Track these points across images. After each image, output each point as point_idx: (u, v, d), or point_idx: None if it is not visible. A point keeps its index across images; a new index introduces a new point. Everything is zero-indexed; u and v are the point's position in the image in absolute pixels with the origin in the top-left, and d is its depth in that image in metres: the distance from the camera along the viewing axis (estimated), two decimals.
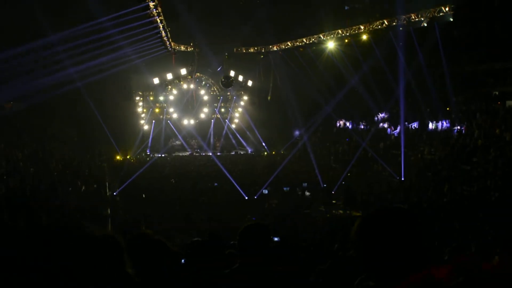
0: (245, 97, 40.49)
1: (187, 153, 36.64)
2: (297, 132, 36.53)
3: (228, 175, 24.21)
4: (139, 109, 38.33)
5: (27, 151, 25.37)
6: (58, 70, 25.03)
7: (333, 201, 21.07)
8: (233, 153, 37.56)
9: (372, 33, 29.87)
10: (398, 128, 28.89)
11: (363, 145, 27.08)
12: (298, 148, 31.57)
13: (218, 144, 38.76)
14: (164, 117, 38.23)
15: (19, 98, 26.05)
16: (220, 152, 36.71)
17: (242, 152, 37.86)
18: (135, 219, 17.84)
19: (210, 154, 34.58)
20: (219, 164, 26.79)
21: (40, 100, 25.26)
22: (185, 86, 38.19)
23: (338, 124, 36.51)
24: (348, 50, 31.94)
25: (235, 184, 22.66)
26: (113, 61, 28.00)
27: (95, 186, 22.45)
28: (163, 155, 34.58)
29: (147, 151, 35.55)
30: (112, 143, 31.14)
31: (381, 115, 31.82)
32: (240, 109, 40.67)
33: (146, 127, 37.53)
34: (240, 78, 37.32)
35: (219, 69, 37.25)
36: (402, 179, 23.22)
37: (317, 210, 19.93)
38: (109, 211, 19.65)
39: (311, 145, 29.39)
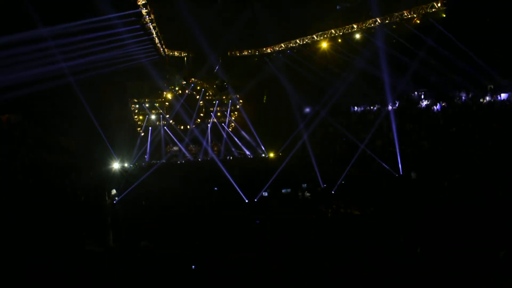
0: (241, 100, 40.56)
1: (185, 159, 36.64)
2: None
3: (230, 178, 24.18)
4: (136, 117, 38.34)
5: (26, 163, 25.25)
6: (43, 65, 24.44)
7: (333, 201, 21.04)
8: (231, 156, 37.58)
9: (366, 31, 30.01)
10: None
11: (361, 147, 27.00)
12: (296, 149, 31.49)
13: (216, 148, 38.78)
14: (161, 124, 38.28)
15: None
16: (218, 156, 36.72)
17: (240, 156, 37.88)
18: (136, 226, 17.80)
19: (208, 158, 34.58)
20: (222, 167, 26.78)
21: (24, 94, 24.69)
22: (180, 91, 38.18)
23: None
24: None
25: (236, 188, 22.64)
26: (105, 61, 27.74)
27: (94, 195, 22.36)
28: (161, 162, 34.54)
29: (146, 158, 35.55)
30: (110, 152, 31.10)
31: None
32: (236, 113, 40.71)
33: (143, 134, 37.56)
34: (235, 81, 37.33)
35: (216, 69, 37.16)
36: (402, 174, 23.27)
37: (318, 210, 19.93)
38: (109, 220, 19.57)
39: (310, 145, 29.25)
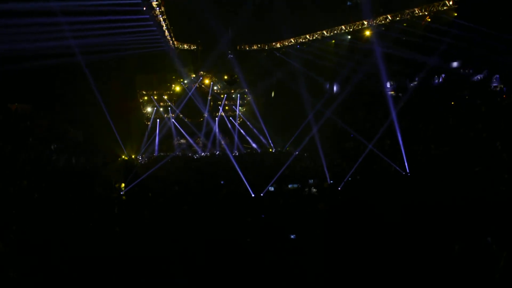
0: (249, 95, 40.53)
1: (193, 151, 36.72)
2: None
3: (239, 172, 24.21)
4: (144, 108, 38.49)
5: (33, 154, 25.42)
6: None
7: (339, 197, 21.02)
8: (237, 151, 37.63)
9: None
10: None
11: (369, 146, 26.85)
12: (303, 145, 31.42)
13: (223, 142, 38.81)
14: (170, 116, 38.38)
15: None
16: (225, 150, 36.76)
17: (247, 150, 37.91)
18: (142, 218, 17.89)
19: (216, 152, 34.64)
20: (233, 160, 26.81)
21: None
22: (189, 84, 38.24)
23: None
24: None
25: (245, 181, 22.66)
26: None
27: (101, 186, 22.50)
28: (169, 154, 34.65)
29: (155, 150, 35.62)
30: (118, 143, 31.24)
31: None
32: (244, 107, 40.71)
33: (151, 126, 37.69)
34: (244, 75, 37.29)
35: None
36: (408, 174, 23.16)
37: (323, 206, 19.91)
38: (116, 211, 19.66)
39: (319, 140, 29.07)
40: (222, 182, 24.21)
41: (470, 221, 13.46)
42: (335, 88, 36.92)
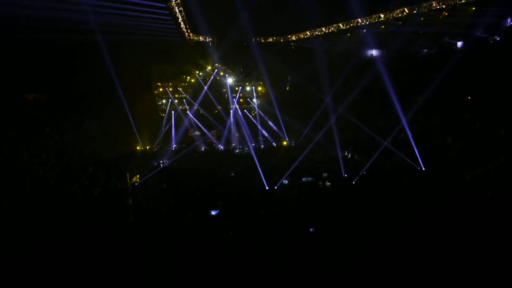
0: (264, 87, 40.41)
1: (208, 143, 36.72)
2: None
3: (257, 164, 24.23)
4: (159, 100, 38.61)
5: (48, 143, 25.69)
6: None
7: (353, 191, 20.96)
8: (253, 143, 37.56)
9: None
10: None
11: (385, 143, 26.60)
12: (318, 138, 31.23)
13: (237, 134, 38.77)
14: (186, 108, 38.44)
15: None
16: (239, 142, 36.73)
17: (261, 142, 37.84)
18: (156, 208, 18.05)
19: (233, 144, 34.71)
20: (253, 153, 26.84)
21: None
22: (204, 76, 38.27)
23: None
24: None
25: (261, 174, 22.70)
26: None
27: (116, 176, 22.67)
28: (185, 146, 34.65)
29: (173, 143, 35.55)
30: (133, 134, 31.39)
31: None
32: (259, 100, 40.62)
33: (166, 118, 37.77)
34: (259, 68, 37.14)
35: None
36: (423, 169, 22.96)
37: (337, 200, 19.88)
38: (130, 201, 19.83)
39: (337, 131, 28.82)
40: (232, 175, 24.31)
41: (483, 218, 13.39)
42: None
